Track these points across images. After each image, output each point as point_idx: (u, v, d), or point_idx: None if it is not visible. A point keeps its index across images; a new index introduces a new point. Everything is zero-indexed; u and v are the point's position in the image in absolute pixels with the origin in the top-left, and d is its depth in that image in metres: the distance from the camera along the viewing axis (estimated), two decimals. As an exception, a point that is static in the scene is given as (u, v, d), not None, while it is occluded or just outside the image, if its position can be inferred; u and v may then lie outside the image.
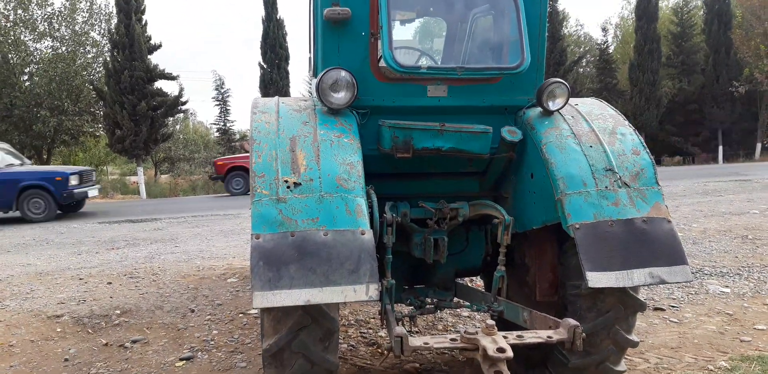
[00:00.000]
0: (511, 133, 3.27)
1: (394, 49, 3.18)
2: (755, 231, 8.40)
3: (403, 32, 4.37)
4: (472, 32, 3.89)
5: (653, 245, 2.88)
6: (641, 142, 3.22)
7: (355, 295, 2.53)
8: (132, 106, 22.41)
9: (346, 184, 2.77)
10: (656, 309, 5.29)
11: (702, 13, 31.52)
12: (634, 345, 3.20)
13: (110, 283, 6.30)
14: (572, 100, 3.46)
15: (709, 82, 29.63)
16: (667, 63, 31.55)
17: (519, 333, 2.73)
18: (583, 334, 2.69)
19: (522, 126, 3.37)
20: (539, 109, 3.34)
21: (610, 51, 35.00)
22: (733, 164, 25.55)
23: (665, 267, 2.85)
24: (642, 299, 3.12)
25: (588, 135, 3.20)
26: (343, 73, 3.09)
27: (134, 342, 4.53)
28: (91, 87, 25.10)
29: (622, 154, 3.12)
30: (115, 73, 22.53)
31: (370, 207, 2.96)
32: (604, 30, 37.24)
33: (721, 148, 30.09)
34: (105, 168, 42.10)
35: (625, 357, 3.72)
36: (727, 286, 5.93)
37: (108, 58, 23.96)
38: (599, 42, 35.85)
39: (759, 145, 30.51)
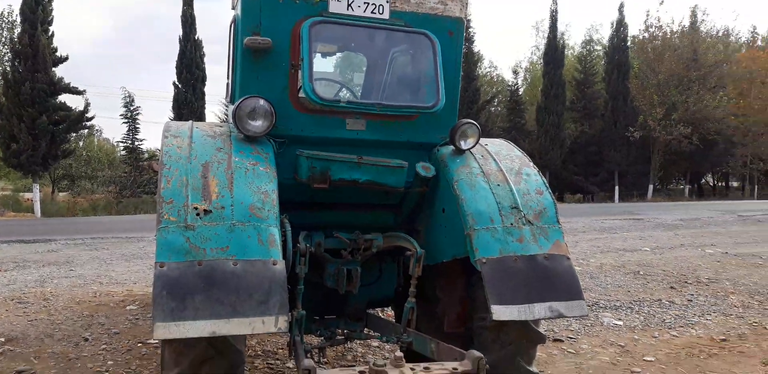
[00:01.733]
0: (425, 169, 3.37)
1: (315, 81, 3.23)
2: (646, 267, 8.98)
3: (324, 64, 4.44)
4: (392, 69, 4.02)
5: (553, 280, 3.03)
6: (544, 182, 3.41)
7: (263, 327, 2.48)
8: (31, 120, 21.16)
9: (259, 212, 2.74)
10: (555, 340, 5.51)
11: (603, 62, 33.87)
12: (535, 377, 3.32)
13: (-5, 309, 5.84)
14: (482, 140, 3.63)
15: (608, 126, 31.77)
16: (571, 107, 33.62)
17: (426, 364, 2.78)
18: (487, 366, 2.78)
19: (435, 162, 3.49)
20: (452, 147, 3.47)
21: (520, 93, 36.89)
22: (627, 203, 27.30)
23: (563, 302, 3.00)
24: (542, 332, 3.25)
25: (496, 174, 3.35)
26: (262, 102, 3.09)
27: (19, 372, 4.20)
28: (-14, 97, 23.51)
29: (527, 194, 3.28)
30: (15, 84, 21.29)
31: (284, 236, 2.94)
32: (515, 73, 39.30)
33: (617, 187, 32.10)
34: (-5, 183, 39.28)
35: (525, 387, 3.85)
36: (620, 319, 6.27)
37: (8, 68, 22.63)
38: (510, 84, 37.80)
39: (651, 187, 32.80)
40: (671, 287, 7.72)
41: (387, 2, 3.40)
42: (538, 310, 2.95)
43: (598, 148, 32.64)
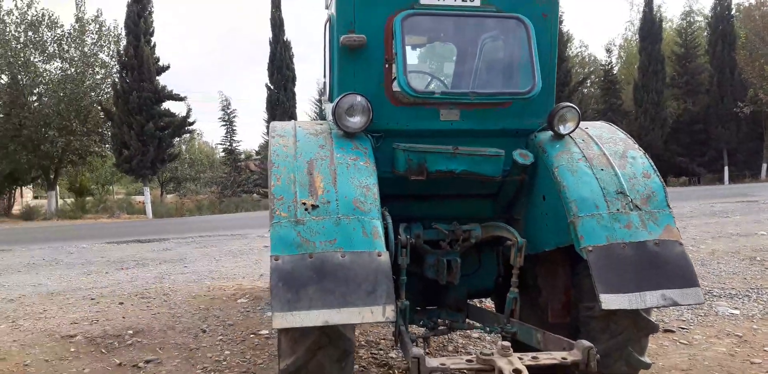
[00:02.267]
0: (522, 156, 3.33)
1: (408, 74, 3.27)
2: (763, 252, 8.39)
3: (413, 56, 4.46)
4: (482, 57, 3.98)
5: (665, 267, 2.92)
6: (651, 165, 3.28)
7: (372, 316, 2.57)
8: (140, 127, 22.64)
9: (362, 206, 2.83)
10: (666, 330, 5.28)
11: (706, 34, 31.81)
12: (647, 366, 3.22)
13: (122, 303, 6.33)
14: (582, 124, 3.53)
15: (714, 102, 29.77)
16: (672, 83, 31.77)
17: (534, 354, 2.76)
18: (598, 355, 2.72)
19: (533, 149, 3.44)
20: (550, 132, 3.41)
21: (615, 72, 35.32)
22: (738, 184, 25.57)
23: (677, 290, 2.89)
24: (654, 321, 3.15)
25: (599, 158, 3.26)
26: (359, 98, 3.17)
27: (147, 362, 4.54)
28: (100, 107, 25.37)
29: (633, 177, 3.17)
30: (124, 94, 22.82)
31: (386, 229, 3.01)
32: (608, 51, 37.67)
33: (726, 168, 30.09)
34: (111, 187, 42.39)
35: (637, 380, 3.73)
36: (736, 308, 5.92)
37: (117, 80, 24.29)
38: (603, 63, 36.20)
39: (765, 166, 30.51)
40: (793, 273, 7.19)
41: None
42: (650, 298, 2.86)
43: (704, 126, 30.64)
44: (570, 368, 3.19)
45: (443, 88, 4.25)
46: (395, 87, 3.34)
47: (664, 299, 2.87)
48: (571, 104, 3.38)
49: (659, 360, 4.60)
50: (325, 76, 4.25)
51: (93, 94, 26.04)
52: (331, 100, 3.61)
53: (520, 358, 2.65)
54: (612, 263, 2.89)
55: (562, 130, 3.37)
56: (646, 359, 3.21)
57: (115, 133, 23.48)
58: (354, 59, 3.34)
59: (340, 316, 2.55)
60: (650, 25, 29.88)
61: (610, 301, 2.81)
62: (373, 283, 2.62)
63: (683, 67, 32.35)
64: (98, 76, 26.44)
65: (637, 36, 32.24)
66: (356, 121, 3.18)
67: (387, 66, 3.36)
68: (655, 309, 5.80)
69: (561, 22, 29.75)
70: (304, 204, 2.79)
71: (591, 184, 3.12)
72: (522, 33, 3.35)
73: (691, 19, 34.92)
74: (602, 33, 78.48)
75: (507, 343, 2.66)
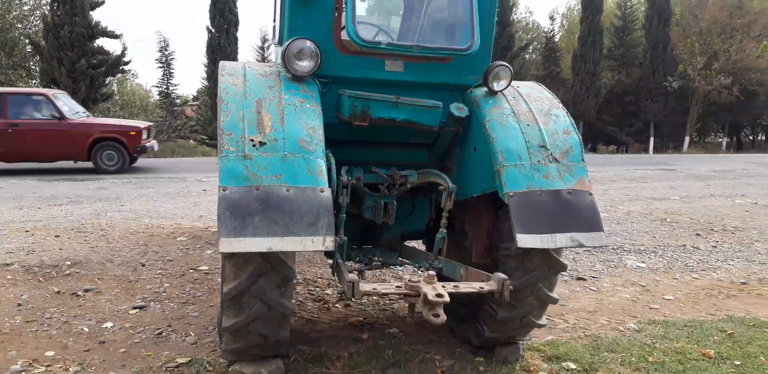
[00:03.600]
0: (458, 109, 3.59)
1: (357, 24, 3.43)
2: (674, 215, 9.13)
3: (362, 8, 4.60)
4: (428, 13, 4.16)
5: (575, 213, 3.27)
6: (572, 123, 3.60)
7: (312, 245, 2.80)
8: (71, 63, 21.58)
9: (308, 145, 3.02)
10: (578, 278, 5.81)
11: (644, 8, 32.66)
12: (555, 301, 3.62)
13: (58, 236, 6.34)
14: (515, 83, 3.81)
15: (646, 75, 30.91)
16: (608, 55, 32.66)
17: (455, 283, 3.09)
18: (511, 287, 3.08)
19: (469, 103, 3.70)
20: (485, 88, 3.67)
21: (556, 40, 35.91)
22: (662, 155, 26.96)
23: (584, 233, 3.25)
24: (563, 261, 3.53)
25: (526, 114, 3.55)
26: (308, 43, 3.31)
27: (86, 290, 4.68)
28: (27, 41, 23.97)
29: (555, 133, 3.49)
30: (54, 28, 21.57)
31: (329, 169, 3.23)
32: (552, 18, 38.20)
33: (652, 139, 31.57)
34: (37, 126, 40.34)
35: (547, 317, 4.19)
36: (643, 262, 6.53)
37: (47, 12, 22.90)
38: (546, 30, 36.71)
39: (687, 139, 32.18)
40: (697, 234, 7.90)
41: None
42: (560, 239, 3.19)
43: (634, 98, 31.91)
44: (486, 301, 3.59)
45: (389, 40, 4.42)
46: (344, 36, 3.49)
47: (572, 241, 3.22)
48: (505, 63, 3.64)
49: (570, 302, 5.11)
50: (275, 20, 4.33)
51: (20, 26, 24.54)
52: (280, 43, 3.73)
53: (443, 286, 2.97)
54: (529, 207, 3.21)
55: (496, 86, 3.63)
56: (554, 295, 3.59)
57: (44, 69, 22.29)
58: (305, 6, 3.46)
59: (283, 244, 2.76)
60: (593, -5, 30.38)
61: (525, 240, 3.14)
62: (315, 216, 2.83)
63: (620, 39, 33.26)
64: (26, 7, 24.89)
65: (579, 5, 32.73)
66: (305, 65, 3.33)
67: (336, 14, 3.49)
68: (571, 260, 6.38)
69: (509, -15, 29.93)
70: (252, 140, 2.95)
71: (517, 137, 3.41)
72: None
73: (632, -7, 35.71)
74: (547, 0, 79.04)
75: (432, 272, 2.96)
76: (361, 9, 4.72)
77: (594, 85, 30.08)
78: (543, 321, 3.71)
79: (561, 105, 3.74)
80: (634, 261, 6.55)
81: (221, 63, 3.50)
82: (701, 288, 5.66)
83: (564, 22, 40.17)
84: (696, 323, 4.65)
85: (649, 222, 8.57)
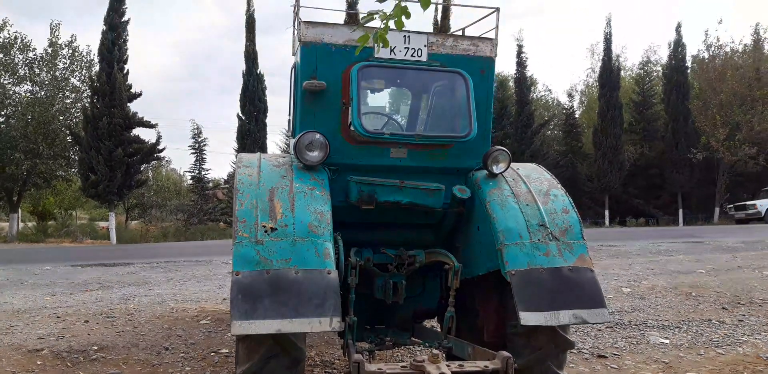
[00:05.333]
0: (461, 191, 3.82)
1: (363, 115, 3.76)
2: (699, 289, 8.96)
3: (374, 99, 4.97)
4: (432, 103, 4.51)
5: (577, 290, 3.37)
6: (570, 202, 3.78)
7: (320, 326, 2.95)
8: (108, 152, 22.71)
9: (316, 230, 3.25)
10: (599, 356, 5.71)
11: (662, 83, 33.39)
12: (564, 379, 3.64)
13: (87, 322, 6.53)
14: (515, 165, 4.04)
15: (669, 148, 31.08)
16: (630, 129, 33.13)
17: (460, 362, 3.17)
18: (515, 364, 3.14)
19: (471, 185, 3.93)
20: (485, 171, 3.91)
21: (576, 116, 36.66)
22: (691, 227, 26.54)
23: (587, 310, 3.34)
24: (571, 339, 3.57)
25: (525, 195, 3.75)
26: (318, 136, 3.63)
27: (111, 375, 4.80)
28: (68, 131, 25.39)
29: (554, 212, 3.66)
30: (93, 119, 22.92)
31: (337, 251, 3.42)
32: (570, 96, 39.23)
33: (681, 211, 31.23)
34: (74, 212, 41.76)
35: (567, 397, 4.14)
36: (666, 338, 6.40)
37: (87, 105, 24.39)
38: (566, 107, 37.58)
39: (717, 210, 31.74)
40: (723, 308, 7.73)
41: (425, 46, 3.91)
42: (563, 316, 3.28)
43: (659, 171, 31.95)
44: None
45: (397, 129, 4.75)
46: (351, 127, 3.82)
47: (575, 317, 3.30)
48: (503, 148, 3.90)
49: (589, 381, 5.03)
50: (289, 114, 4.72)
51: (62, 117, 26.07)
52: (293, 135, 4.07)
53: (448, 365, 3.05)
54: (531, 285, 3.33)
55: (495, 169, 3.87)
56: (564, 373, 3.63)
57: (83, 158, 23.46)
58: (315, 102, 3.82)
59: (292, 325, 2.91)
60: (609, 73, 31.31)
61: (528, 318, 3.23)
62: (322, 297, 2.99)
63: (640, 113, 33.85)
64: (68, 101, 26.53)
65: (597, 83, 33.66)
66: (314, 155, 3.63)
67: (344, 108, 3.84)
68: (592, 337, 6.30)
69: (525, 66, 31.19)
70: (264, 226, 3.19)
71: (517, 217, 3.59)
72: (462, 85, 3.88)
73: (649, 69, 36.69)
74: (566, 78, 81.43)
75: (437, 351, 3.07)
76: (373, 98, 5.10)
77: (617, 159, 30.29)
78: (555, 399, 3.70)
79: (560, 185, 3.93)
80: (657, 336, 6.43)
81: (239, 155, 3.83)
82: (726, 364, 5.52)
83: (583, 98, 41.14)
84: (720, 401, 4.53)
85: (674, 297, 8.43)
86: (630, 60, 44.48)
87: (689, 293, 8.64)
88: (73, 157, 26.31)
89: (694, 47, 55.93)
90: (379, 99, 5.34)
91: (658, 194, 32.44)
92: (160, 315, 6.93)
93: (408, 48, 3.88)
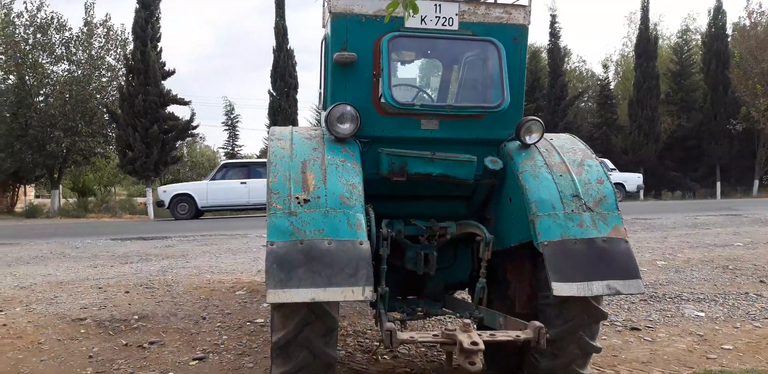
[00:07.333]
0: (492, 163, 3.79)
1: (393, 87, 3.73)
2: (736, 262, 8.80)
3: (405, 71, 4.93)
4: (464, 73, 4.45)
5: (611, 261, 3.35)
6: (605, 172, 3.73)
7: (352, 295, 2.99)
8: (144, 129, 23.07)
9: (348, 201, 3.27)
10: (633, 328, 5.69)
11: (701, 52, 32.36)
12: (598, 350, 3.63)
13: (128, 292, 6.75)
14: (548, 135, 3.99)
15: (707, 119, 30.26)
16: (667, 100, 32.30)
17: (491, 332, 3.20)
18: (547, 334, 3.15)
19: (503, 156, 3.89)
20: (518, 142, 3.86)
21: (611, 87, 35.83)
22: (729, 199, 25.95)
23: (621, 281, 3.31)
24: (604, 309, 3.56)
25: (559, 165, 3.71)
26: (349, 108, 3.63)
27: (151, 343, 4.97)
28: (105, 109, 25.85)
29: (588, 183, 3.61)
30: (129, 97, 23.25)
31: (369, 223, 3.45)
32: (605, 67, 38.23)
33: (719, 183, 30.52)
34: (113, 188, 42.76)
35: (598, 368, 4.15)
36: (702, 311, 6.33)
37: (123, 83, 24.74)
38: (600, 78, 36.73)
39: (756, 182, 30.94)
40: (761, 281, 7.59)
41: (456, 15, 3.85)
42: (596, 287, 3.26)
43: (697, 142, 31.16)
44: (531, 351, 3.64)
45: (427, 101, 4.71)
46: (382, 99, 3.80)
47: (608, 288, 3.28)
48: (536, 118, 3.84)
49: (622, 353, 5.01)
50: (320, 87, 4.71)
51: (99, 96, 26.50)
52: (324, 108, 4.07)
53: (479, 334, 3.08)
54: (564, 256, 3.32)
55: (528, 140, 3.82)
56: (596, 344, 3.61)
57: (120, 135, 23.90)
58: (345, 74, 3.80)
59: (325, 294, 2.96)
60: (645, 42, 30.45)
61: (561, 289, 3.23)
62: (354, 267, 3.03)
63: (678, 83, 32.93)
64: (104, 79, 26.91)
65: (633, 53, 32.77)
66: (346, 127, 3.63)
67: (375, 80, 3.82)
68: (626, 310, 6.27)
69: (558, 36, 30.48)
70: (297, 198, 3.23)
71: (550, 188, 3.56)
72: (494, 54, 3.82)
73: (688, 38, 35.54)
74: (601, 48, 79.29)
75: (468, 321, 3.09)
76: (403, 70, 5.06)
77: (653, 131, 29.64)
78: (588, 370, 3.71)
79: (594, 155, 3.88)
80: (693, 309, 6.36)
81: (271, 129, 3.85)
82: (762, 337, 5.45)
83: (618, 69, 40.13)
84: (756, 373, 4.49)
85: (710, 270, 8.30)
86: (669, 28, 43.12)
87: (726, 266, 8.50)
88: (110, 134, 26.80)
89: (735, 14, 53.98)
90: (410, 71, 5.29)
91: (695, 166, 31.70)
92: (197, 286, 7.11)
93: (439, 17, 3.83)
